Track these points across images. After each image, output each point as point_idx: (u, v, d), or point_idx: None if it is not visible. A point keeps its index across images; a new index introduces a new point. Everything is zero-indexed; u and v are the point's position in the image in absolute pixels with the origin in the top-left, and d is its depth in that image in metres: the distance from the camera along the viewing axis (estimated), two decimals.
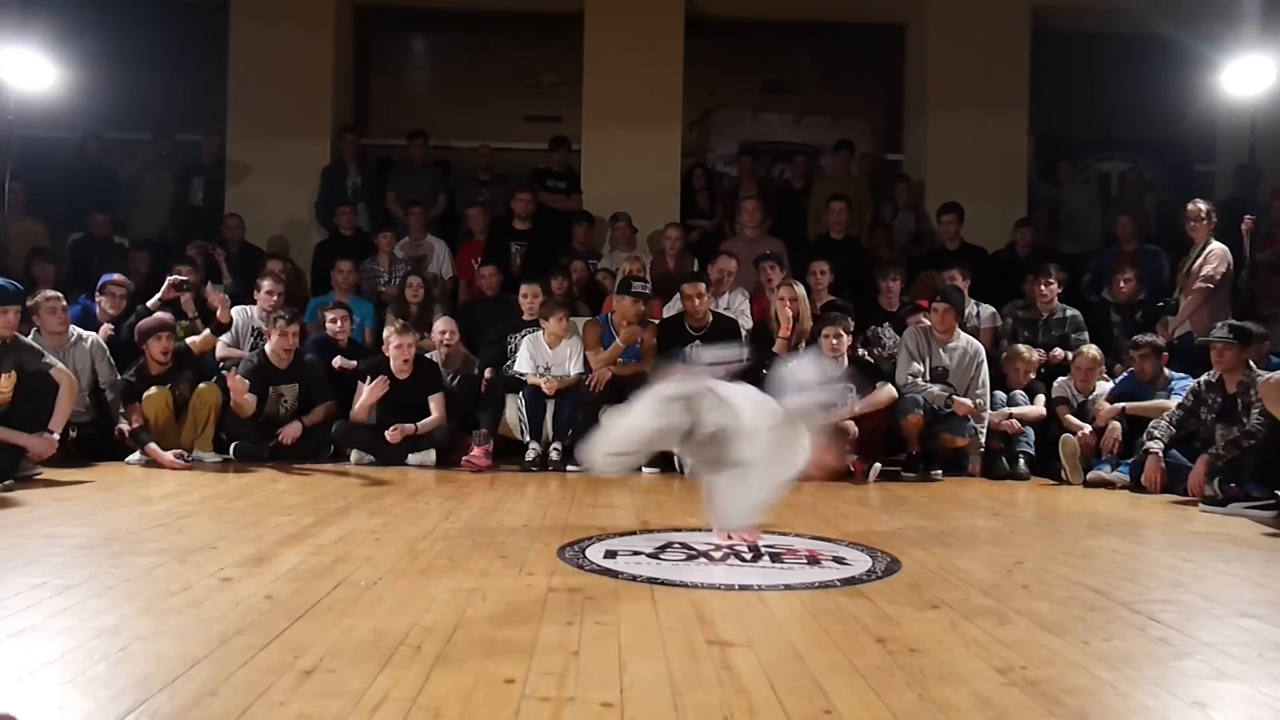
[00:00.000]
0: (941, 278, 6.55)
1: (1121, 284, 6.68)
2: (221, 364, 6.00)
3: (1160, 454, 5.11)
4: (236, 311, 6.37)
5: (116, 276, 6.35)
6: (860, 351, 6.11)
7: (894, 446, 5.74)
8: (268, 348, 5.77)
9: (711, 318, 6.10)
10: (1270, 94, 6.51)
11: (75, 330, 5.62)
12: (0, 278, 4.93)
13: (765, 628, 2.28)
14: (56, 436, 4.78)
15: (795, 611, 2.43)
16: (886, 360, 6.12)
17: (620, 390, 5.85)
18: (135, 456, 5.36)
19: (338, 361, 6.03)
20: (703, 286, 6.07)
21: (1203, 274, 5.99)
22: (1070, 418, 5.73)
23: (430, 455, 5.66)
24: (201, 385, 5.57)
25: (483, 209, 7.68)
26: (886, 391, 5.65)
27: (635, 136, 8.04)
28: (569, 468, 5.62)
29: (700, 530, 3.61)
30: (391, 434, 5.56)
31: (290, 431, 5.61)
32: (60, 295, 5.59)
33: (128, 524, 3.50)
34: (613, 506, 4.23)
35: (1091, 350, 5.92)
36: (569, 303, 6.57)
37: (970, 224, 7.42)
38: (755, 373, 5.76)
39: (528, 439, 5.73)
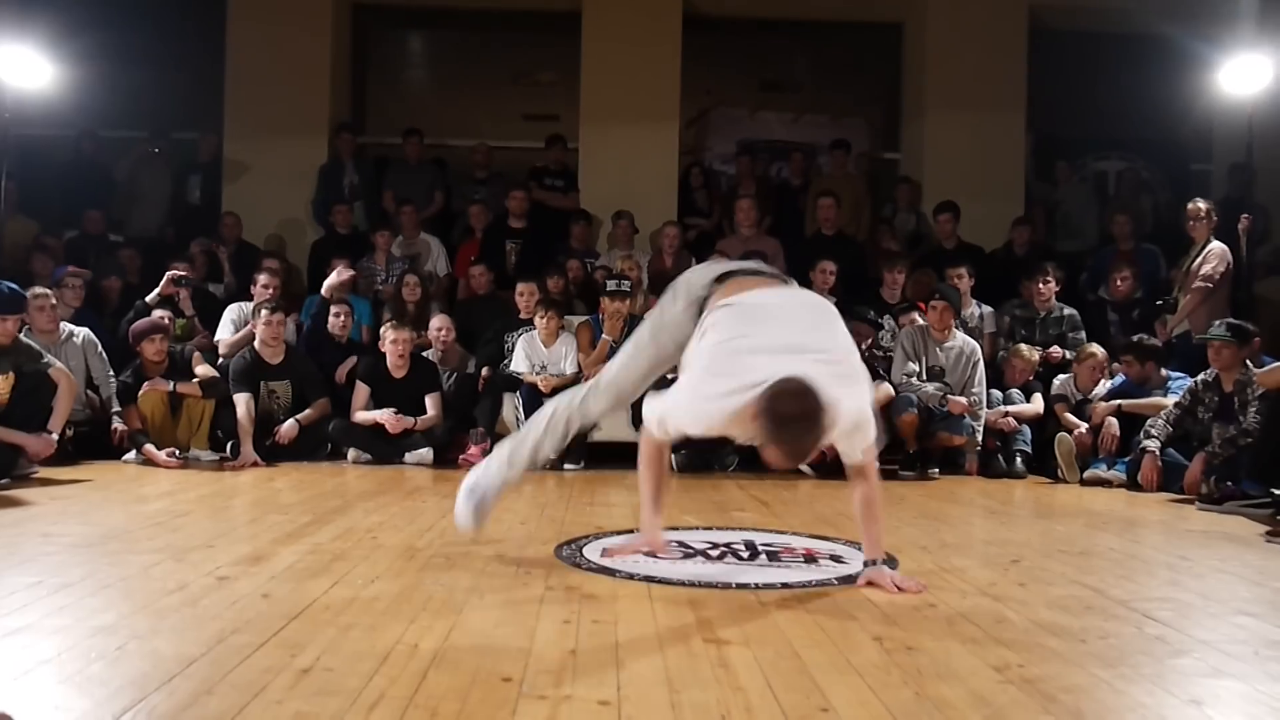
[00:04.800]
0: (936, 276, 6.56)
1: (1118, 283, 6.69)
2: (221, 361, 6.00)
3: (1157, 452, 5.12)
4: (234, 308, 6.37)
5: (70, 269, 6.40)
6: (862, 348, 6.12)
7: (891, 445, 5.74)
8: (256, 342, 5.76)
9: None
10: (1267, 93, 6.51)
11: (67, 326, 5.63)
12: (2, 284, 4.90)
13: (762, 626, 2.28)
14: (55, 437, 4.77)
15: (792, 609, 2.43)
16: (883, 360, 6.13)
17: None
18: (131, 455, 5.37)
19: (341, 373, 6.04)
20: None
21: (1202, 273, 5.99)
22: (1069, 416, 5.74)
23: (427, 454, 5.66)
24: (195, 379, 5.58)
25: (484, 207, 7.68)
26: (884, 390, 5.66)
27: (633, 135, 8.03)
28: (566, 466, 5.62)
29: (697, 529, 3.61)
30: (392, 424, 5.57)
31: (287, 431, 5.61)
32: (49, 293, 5.58)
33: (124, 523, 3.50)
34: (609, 505, 4.23)
35: (1099, 350, 5.92)
36: (565, 302, 6.57)
37: (967, 223, 7.43)
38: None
39: None
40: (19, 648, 1.96)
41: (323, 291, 6.29)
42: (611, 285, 6.04)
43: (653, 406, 2.65)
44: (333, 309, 6.27)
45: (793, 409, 2.27)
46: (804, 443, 2.33)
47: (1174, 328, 6.11)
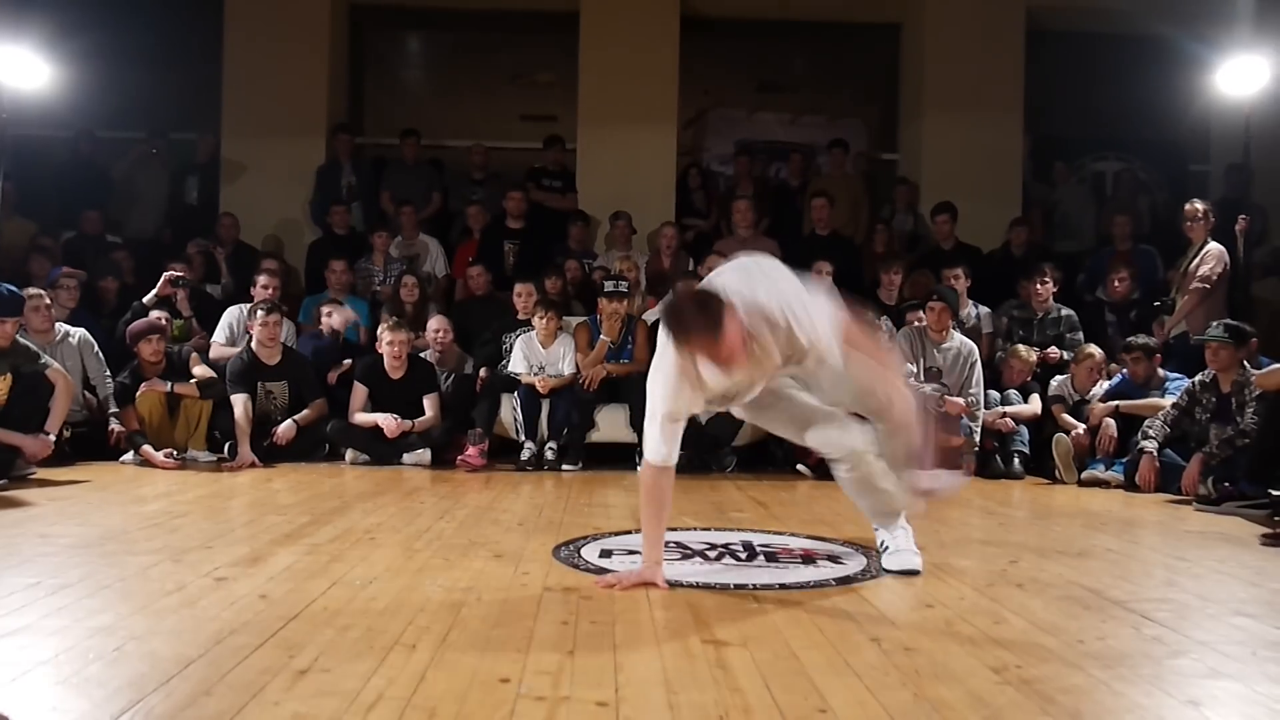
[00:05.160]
0: (934, 277, 6.56)
1: (1116, 283, 6.69)
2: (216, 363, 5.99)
3: (1154, 453, 5.12)
4: (232, 311, 6.36)
5: (65, 269, 6.40)
6: None
7: None
8: (253, 343, 5.76)
9: None
10: (1264, 94, 6.52)
11: (62, 327, 5.62)
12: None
13: (760, 627, 2.28)
14: (52, 438, 4.77)
15: (790, 611, 2.43)
16: None
17: (615, 389, 5.88)
18: (129, 456, 5.36)
19: (333, 376, 6.04)
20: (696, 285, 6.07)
21: (1199, 274, 6.00)
22: (1066, 416, 5.75)
23: (425, 455, 5.66)
24: (193, 380, 5.57)
25: (482, 208, 7.68)
26: None
27: (630, 136, 8.04)
28: (564, 467, 5.62)
29: (695, 529, 3.61)
30: (391, 429, 5.56)
31: (284, 432, 5.60)
32: (43, 293, 5.58)
33: (122, 524, 3.49)
34: (608, 506, 4.23)
35: (1096, 351, 5.93)
36: (563, 302, 6.57)
37: (965, 223, 7.44)
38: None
39: (523, 438, 5.73)
40: (17, 649, 1.96)
41: (325, 332, 6.26)
42: (609, 286, 6.05)
43: (647, 434, 2.68)
44: (324, 309, 6.28)
45: (681, 296, 2.42)
46: (702, 324, 2.31)
47: (1172, 329, 6.11)
